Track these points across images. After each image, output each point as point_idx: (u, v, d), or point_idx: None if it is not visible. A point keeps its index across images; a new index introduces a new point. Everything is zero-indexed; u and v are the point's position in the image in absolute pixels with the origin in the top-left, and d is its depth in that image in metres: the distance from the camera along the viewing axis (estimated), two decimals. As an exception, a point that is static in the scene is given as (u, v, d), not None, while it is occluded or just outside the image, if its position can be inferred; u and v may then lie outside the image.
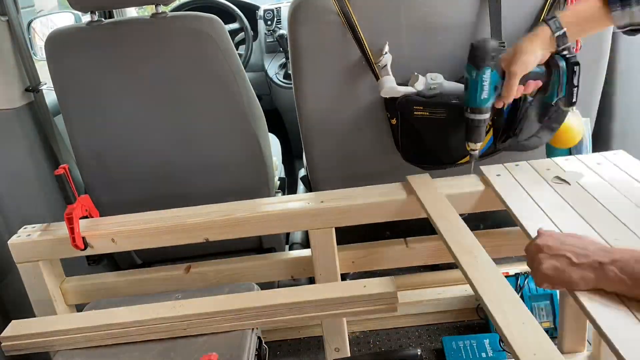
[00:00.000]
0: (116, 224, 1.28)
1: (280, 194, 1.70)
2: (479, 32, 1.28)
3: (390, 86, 1.24)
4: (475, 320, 1.54)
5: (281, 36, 2.41)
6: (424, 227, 1.45)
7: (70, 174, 1.21)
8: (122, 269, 1.60)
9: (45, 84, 1.48)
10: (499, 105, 1.12)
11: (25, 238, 1.27)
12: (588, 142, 1.38)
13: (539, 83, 1.11)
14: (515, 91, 1.08)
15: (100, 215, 1.34)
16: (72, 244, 1.23)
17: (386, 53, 1.26)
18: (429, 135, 1.30)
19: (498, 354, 1.38)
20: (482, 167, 1.23)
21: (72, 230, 1.21)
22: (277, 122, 2.58)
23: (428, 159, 1.35)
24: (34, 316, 1.32)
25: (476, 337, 1.43)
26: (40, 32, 1.83)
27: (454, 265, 1.60)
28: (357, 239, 1.39)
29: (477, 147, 1.19)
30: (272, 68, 2.58)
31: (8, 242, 1.27)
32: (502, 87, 1.09)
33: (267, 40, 2.65)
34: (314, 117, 1.38)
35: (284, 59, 2.57)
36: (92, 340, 1.10)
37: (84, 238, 1.25)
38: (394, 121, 1.33)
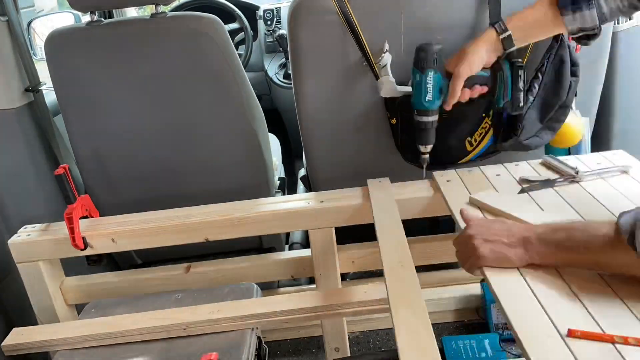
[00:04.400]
0: (116, 224, 1.28)
1: (280, 194, 1.70)
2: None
3: (390, 86, 1.24)
4: (475, 320, 1.54)
5: (281, 36, 2.40)
6: (424, 227, 1.45)
7: (70, 174, 1.21)
8: (122, 269, 1.60)
9: (45, 84, 1.48)
10: (447, 108, 1.13)
11: (25, 238, 1.27)
12: (587, 142, 1.38)
13: (485, 88, 1.13)
14: (460, 93, 1.09)
15: (100, 215, 1.34)
16: (72, 244, 1.23)
17: (386, 52, 1.26)
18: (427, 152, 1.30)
19: (498, 354, 1.38)
20: (434, 173, 1.24)
21: (72, 230, 1.21)
22: (277, 122, 2.58)
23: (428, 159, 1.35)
24: (34, 316, 1.32)
25: (476, 337, 1.43)
26: (40, 32, 1.83)
27: (454, 265, 1.61)
28: (357, 239, 1.39)
29: (428, 149, 1.21)
30: (272, 68, 2.58)
31: (8, 242, 1.27)
32: (447, 90, 1.11)
33: (267, 40, 2.65)
34: (314, 117, 1.38)
35: (283, 59, 2.57)
36: (92, 341, 1.10)
37: (84, 238, 1.25)
38: (393, 121, 1.33)
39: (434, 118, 1.15)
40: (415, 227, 1.31)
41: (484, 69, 1.11)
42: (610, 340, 0.66)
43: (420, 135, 1.18)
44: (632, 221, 0.70)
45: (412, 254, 1.35)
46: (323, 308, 1.11)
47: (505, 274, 0.81)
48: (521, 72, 1.10)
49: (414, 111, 1.16)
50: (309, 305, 1.11)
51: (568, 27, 1.01)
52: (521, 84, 1.11)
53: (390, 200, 1.18)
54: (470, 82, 1.10)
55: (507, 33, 1.05)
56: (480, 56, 1.07)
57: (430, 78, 1.10)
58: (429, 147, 1.20)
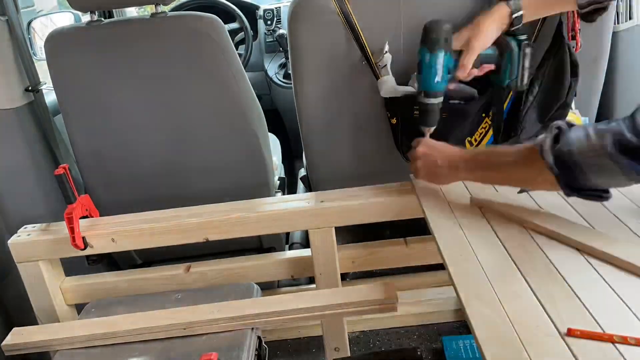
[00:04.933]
0: (116, 224, 1.28)
1: (280, 194, 1.70)
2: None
3: (391, 86, 1.24)
4: (475, 320, 1.54)
5: (281, 36, 2.41)
6: (424, 227, 1.45)
7: (70, 173, 1.21)
8: (122, 269, 1.60)
9: (45, 83, 1.48)
10: (461, 77, 1.11)
11: (26, 238, 1.27)
12: (587, 142, 1.38)
13: (492, 66, 1.11)
14: (470, 67, 1.08)
15: (100, 215, 1.34)
16: (72, 244, 1.23)
17: (386, 52, 1.26)
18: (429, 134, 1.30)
19: (498, 354, 1.38)
20: (412, 175, 1.21)
21: (72, 230, 1.21)
22: (277, 122, 2.58)
23: (428, 159, 1.35)
24: (34, 316, 1.32)
25: (476, 337, 1.43)
26: (40, 32, 1.83)
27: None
28: (357, 239, 1.39)
29: (430, 131, 1.19)
30: (272, 68, 2.58)
31: (8, 242, 1.27)
32: (454, 69, 1.09)
33: (267, 40, 2.65)
34: (314, 117, 1.38)
35: (283, 59, 2.57)
36: (91, 341, 1.10)
37: (84, 238, 1.25)
38: (394, 121, 1.33)
39: (440, 100, 1.14)
40: (415, 227, 1.31)
41: (494, 46, 1.09)
42: (610, 339, 0.66)
43: (424, 117, 1.16)
44: (545, 136, 0.79)
45: (413, 254, 1.36)
46: (323, 308, 1.11)
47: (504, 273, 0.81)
48: (528, 50, 1.09)
49: (419, 92, 1.14)
50: (309, 305, 1.11)
51: (579, 1, 0.98)
52: (527, 62, 1.09)
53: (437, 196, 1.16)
54: (476, 62, 1.08)
55: (520, 13, 1.03)
56: (492, 32, 1.06)
57: (441, 58, 1.07)
58: (432, 130, 1.18)
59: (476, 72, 1.11)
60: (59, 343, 1.11)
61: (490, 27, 1.06)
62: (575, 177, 0.78)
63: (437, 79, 1.09)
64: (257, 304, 1.12)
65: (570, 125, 0.81)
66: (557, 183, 0.81)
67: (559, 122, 0.80)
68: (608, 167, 0.74)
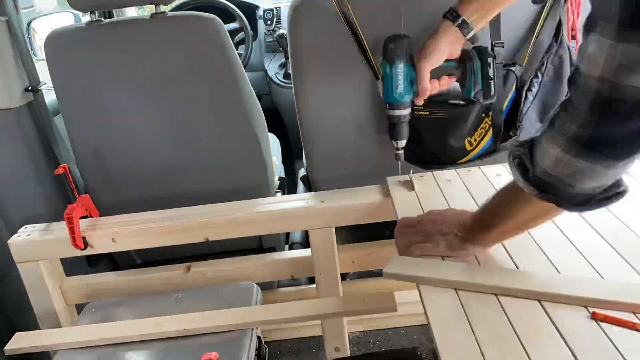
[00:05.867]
0: (116, 224, 1.28)
1: (280, 194, 1.70)
2: (478, 32, 1.28)
3: (390, 86, 1.24)
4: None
5: (281, 36, 2.41)
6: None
7: (70, 174, 1.21)
8: (122, 269, 1.60)
9: (45, 83, 1.48)
10: (419, 102, 1.09)
11: (26, 238, 1.27)
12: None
13: (453, 78, 1.08)
14: (428, 86, 1.04)
15: (100, 215, 1.34)
16: (72, 244, 1.23)
17: (386, 53, 1.26)
18: (430, 135, 1.30)
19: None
20: (387, 178, 1.23)
21: (72, 230, 1.21)
22: (277, 122, 2.58)
23: (428, 159, 1.35)
24: (34, 316, 1.32)
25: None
26: (40, 32, 1.83)
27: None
28: (357, 239, 1.39)
29: (401, 145, 1.17)
30: (272, 68, 2.58)
31: (8, 241, 1.27)
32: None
33: (267, 40, 2.65)
34: (314, 116, 1.38)
35: (283, 59, 2.58)
36: (92, 341, 1.10)
37: (84, 238, 1.25)
38: (394, 121, 1.33)
39: (406, 112, 1.12)
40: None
41: (454, 60, 1.07)
42: (632, 327, 0.67)
43: (393, 130, 1.15)
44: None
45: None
46: (323, 316, 1.12)
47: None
48: (490, 60, 1.06)
49: (385, 105, 1.13)
50: (308, 314, 1.12)
51: None
52: (491, 72, 1.06)
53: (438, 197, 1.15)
54: (437, 74, 1.06)
55: (461, 19, 1.00)
56: (440, 49, 1.02)
57: (400, 69, 1.06)
58: (403, 143, 1.17)
59: (437, 86, 1.07)
60: (61, 347, 1.11)
61: (435, 44, 1.02)
62: (567, 191, 0.70)
63: (399, 90, 1.08)
64: (258, 312, 1.12)
65: (526, 143, 0.74)
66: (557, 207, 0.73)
67: (516, 152, 0.75)
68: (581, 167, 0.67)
